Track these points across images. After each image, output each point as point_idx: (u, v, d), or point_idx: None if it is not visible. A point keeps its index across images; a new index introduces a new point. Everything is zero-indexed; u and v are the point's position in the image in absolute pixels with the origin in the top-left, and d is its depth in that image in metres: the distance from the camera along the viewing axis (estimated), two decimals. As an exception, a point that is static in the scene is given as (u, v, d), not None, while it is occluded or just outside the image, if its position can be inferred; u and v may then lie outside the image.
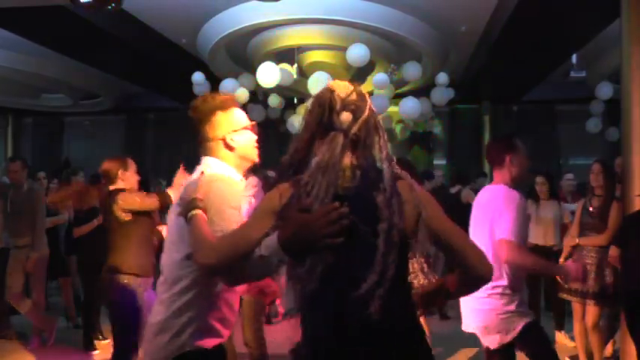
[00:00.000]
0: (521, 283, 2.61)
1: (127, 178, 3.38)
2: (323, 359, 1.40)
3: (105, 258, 3.25)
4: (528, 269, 2.69)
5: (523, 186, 2.98)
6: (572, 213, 4.68)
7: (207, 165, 1.90)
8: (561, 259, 4.13)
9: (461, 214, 6.28)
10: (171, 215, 1.89)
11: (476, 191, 7.34)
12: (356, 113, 1.47)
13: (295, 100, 8.97)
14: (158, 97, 10.59)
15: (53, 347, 4.77)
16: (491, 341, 2.55)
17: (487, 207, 2.61)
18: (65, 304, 5.54)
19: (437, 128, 9.29)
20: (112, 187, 3.32)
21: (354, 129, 1.44)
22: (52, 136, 12.40)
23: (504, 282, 2.50)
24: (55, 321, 4.95)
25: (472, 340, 2.74)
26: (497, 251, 2.46)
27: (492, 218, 2.52)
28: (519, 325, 2.49)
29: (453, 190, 5.87)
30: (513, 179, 2.63)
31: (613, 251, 3.53)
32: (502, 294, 2.49)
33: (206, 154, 1.94)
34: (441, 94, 7.32)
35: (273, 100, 7.78)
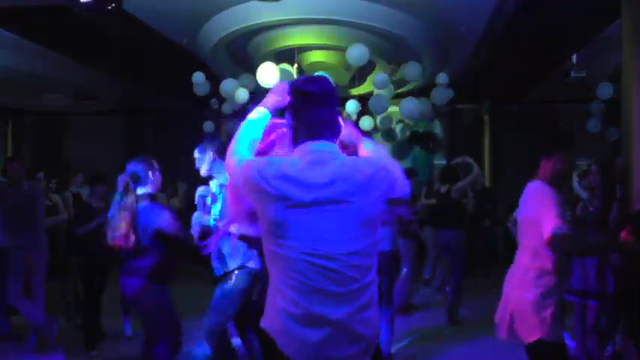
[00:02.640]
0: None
1: (156, 179, 3.31)
2: None
3: (105, 258, 3.26)
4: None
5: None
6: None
7: None
8: None
9: (457, 212, 6.23)
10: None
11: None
12: None
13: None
14: (158, 97, 10.60)
15: (53, 347, 4.77)
16: None
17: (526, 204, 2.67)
18: (65, 304, 5.54)
19: (437, 128, 9.29)
20: (141, 191, 3.23)
21: None
22: (52, 136, 12.40)
23: None
24: (55, 321, 4.94)
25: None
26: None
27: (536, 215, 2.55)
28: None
29: (443, 189, 5.86)
30: (553, 175, 2.66)
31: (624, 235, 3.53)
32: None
33: None
34: (441, 94, 7.31)
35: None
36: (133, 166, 3.22)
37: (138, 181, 3.19)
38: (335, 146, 1.78)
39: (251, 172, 1.68)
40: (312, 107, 1.75)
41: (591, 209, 4.06)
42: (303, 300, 1.65)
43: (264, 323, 1.75)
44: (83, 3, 4.40)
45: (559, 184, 2.67)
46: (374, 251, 1.75)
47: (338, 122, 1.81)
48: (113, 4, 4.43)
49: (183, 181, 8.40)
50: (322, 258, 1.65)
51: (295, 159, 1.72)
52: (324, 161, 1.70)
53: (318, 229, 1.65)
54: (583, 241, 2.70)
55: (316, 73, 6.29)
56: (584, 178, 4.10)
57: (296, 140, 1.78)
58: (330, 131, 1.77)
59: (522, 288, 2.58)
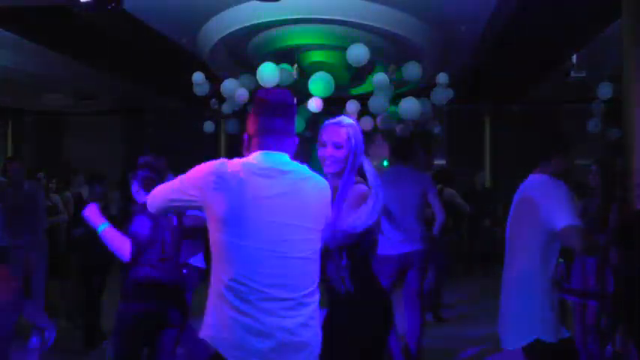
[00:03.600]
0: None
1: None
2: None
3: (104, 258, 3.24)
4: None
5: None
6: None
7: None
8: None
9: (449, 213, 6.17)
10: None
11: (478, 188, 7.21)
12: None
13: (295, 100, 8.96)
14: (158, 97, 10.59)
15: (53, 347, 4.77)
16: None
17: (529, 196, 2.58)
18: (65, 304, 5.54)
19: (437, 128, 9.27)
20: None
21: None
22: (52, 136, 12.41)
23: None
24: (55, 321, 4.95)
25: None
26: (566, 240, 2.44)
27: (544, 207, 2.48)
28: None
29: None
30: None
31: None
32: None
33: None
34: (441, 94, 7.31)
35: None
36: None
37: None
38: (286, 157, 1.80)
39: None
40: (267, 116, 1.81)
41: (591, 209, 4.06)
42: (251, 308, 1.65)
43: (206, 333, 1.73)
44: (83, 3, 4.40)
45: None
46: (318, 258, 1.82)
47: (292, 135, 1.85)
48: (113, 4, 4.43)
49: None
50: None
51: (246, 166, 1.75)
52: (271, 176, 1.74)
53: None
54: (592, 237, 2.62)
55: (316, 73, 6.30)
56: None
57: (249, 148, 1.84)
58: (281, 141, 1.80)
59: (520, 291, 2.56)
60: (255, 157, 1.78)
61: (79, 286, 5.40)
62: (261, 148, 1.79)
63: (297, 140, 1.87)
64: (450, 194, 6.08)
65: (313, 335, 1.74)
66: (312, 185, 1.80)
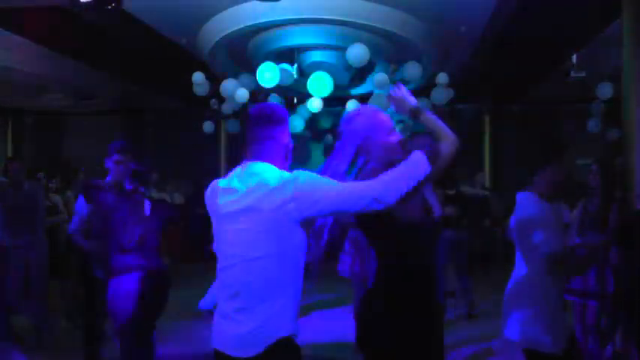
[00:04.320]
0: None
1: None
2: None
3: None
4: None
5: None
6: None
7: None
8: None
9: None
10: None
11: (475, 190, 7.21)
12: None
13: (295, 100, 8.97)
14: (158, 97, 10.60)
15: (53, 347, 4.78)
16: None
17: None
18: (65, 304, 5.54)
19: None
20: None
21: None
22: (52, 136, 12.41)
23: None
24: (55, 321, 4.95)
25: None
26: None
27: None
28: None
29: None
30: (549, 188, 2.57)
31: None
32: None
33: None
34: (441, 94, 7.31)
35: (274, 101, 7.79)
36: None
37: None
38: (264, 165, 1.86)
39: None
40: (248, 127, 1.93)
41: (591, 209, 4.06)
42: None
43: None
44: (83, 3, 4.40)
45: (556, 196, 2.59)
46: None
47: (274, 145, 1.91)
48: (113, 4, 4.43)
49: (184, 180, 8.43)
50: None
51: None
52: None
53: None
54: (574, 258, 2.61)
55: (316, 73, 6.30)
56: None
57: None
58: (258, 153, 1.89)
59: (521, 296, 2.56)
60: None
61: (79, 286, 5.41)
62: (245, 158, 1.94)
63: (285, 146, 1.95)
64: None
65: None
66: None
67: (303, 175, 1.77)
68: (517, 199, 2.66)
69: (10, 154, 11.59)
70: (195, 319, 5.80)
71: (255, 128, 1.91)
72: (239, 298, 1.78)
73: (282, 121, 1.93)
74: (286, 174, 1.81)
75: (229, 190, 1.86)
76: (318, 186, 1.75)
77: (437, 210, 4.39)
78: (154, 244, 3.18)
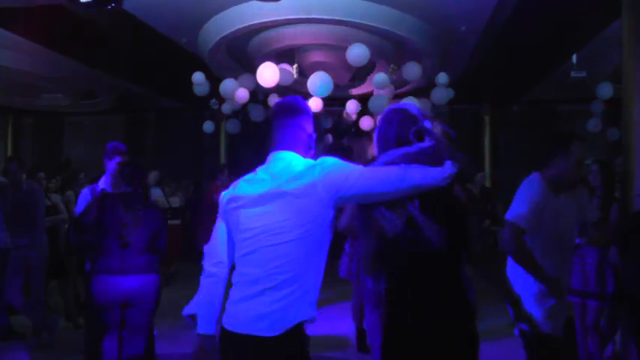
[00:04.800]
0: None
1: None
2: None
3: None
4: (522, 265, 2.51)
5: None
6: None
7: None
8: None
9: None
10: None
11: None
12: None
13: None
14: (158, 97, 10.60)
15: (53, 347, 4.77)
16: None
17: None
18: (65, 304, 5.54)
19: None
20: None
21: None
22: (52, 136, 12.41)
23: None
24: (55, 321, 4.95)
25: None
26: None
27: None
28: None
29: None
30: (557, 179, 2.51)
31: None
32: None
33: None
34: (441, 94, 7.31)
35: (273, 100, 7.79)
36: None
37: None
38: (288, 153, 1.91)
39: None
40: (273, 118, 1.99)
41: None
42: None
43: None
44: (83, 3, 4.40)
45: (562, 188, 2.51)
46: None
47: (297, 133, 1.95)
48: (113, 4, 4.43)
49: (184, 180, 8.42)
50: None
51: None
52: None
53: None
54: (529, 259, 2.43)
55: (316, 73, 6.30)
56: None
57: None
58: (287, 141, 1.93)
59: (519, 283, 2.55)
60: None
61: (79, 286, 5.41)
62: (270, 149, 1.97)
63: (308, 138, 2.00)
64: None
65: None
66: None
67: (329, 159, 1.83)
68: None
69: (10, 154, 11.59)
70: (195, 319, 5.80)
71: (280, 118, 1.97)
72: (264, 280, 1.79)
73: (306, 112, 2.01)
74: (311, 160, 1.88)
75: (254, 180, 1.90)
76: (346, 167, 1.81)
77: None
78: (143, 247, 3.21)
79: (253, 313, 1.78)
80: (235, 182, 1.98)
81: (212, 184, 7.03)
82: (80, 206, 3.78)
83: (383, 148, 1.99)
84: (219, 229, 1.98)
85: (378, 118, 2.20)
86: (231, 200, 1.92)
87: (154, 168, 8.08)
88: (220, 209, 1.97)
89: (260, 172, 1.92)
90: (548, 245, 2.47)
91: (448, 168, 1.83)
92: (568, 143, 2.50)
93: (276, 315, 1.75)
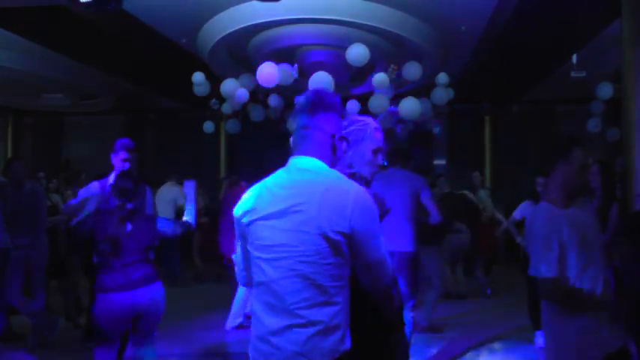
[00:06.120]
0: None
1: None
2: None
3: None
4: None
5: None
6: None
7: None
8: None
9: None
10: None
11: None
12: None
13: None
14: (158, 97, 10.60)
15: (53, 347, 4.77)
16: None
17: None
18: (65, 304, 5.54)
19: (437, 128, 9.27)
20: None
21: None
22: (52, 136, 12.41)
23: None
24: (55, 321, 4.94)
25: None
26: None
27: None
28: None
29: None
30: (566, 193, 2.33)
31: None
32: None
33: None
34: (441, 94, 7.31)
35: (273, 100, 7.79)
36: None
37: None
38: (311, 161, 1.69)
39: None
40: (293, 117, 1.77)
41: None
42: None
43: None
44: (83, 3, 4.40)
45: (572, 200, 2.33)
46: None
47: (316, 135, 1.72)
48: (113, 4, 4.43)
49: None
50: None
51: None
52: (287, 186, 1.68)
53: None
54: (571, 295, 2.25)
55: (316, 73, 6.30)
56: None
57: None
58: (305, 145, 1.72)
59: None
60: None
61: (79, 286, 5.41)
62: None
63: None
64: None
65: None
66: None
67: (364, 206, 1.62)
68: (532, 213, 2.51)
69: (10, 154, 11.59)
70: (195, 319, 5.81)
71: (298, 116, 1.74)
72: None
73: (329, 108, 1.74)
74: (342, 184, 1.65)
75: (272, 193, 1.68)
76: (376, 233, 1.64)
77: (435, 216, 4.34)
78: (139, 258, 3.17)
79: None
80: (249, 190, 1.77)
81: (236, 185, 7.08)
82: (81, 196, 3.79)
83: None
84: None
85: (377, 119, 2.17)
86: (246, 213, 1.71)
87: (154, 168, 8.09)
88: (236, 223, 1.76)
89: (278, 179, 1.71)
90: (579, 261, 2.26)
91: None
92: (567, 150, 2.37)
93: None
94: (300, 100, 1.79)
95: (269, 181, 1.73)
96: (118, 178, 3.27)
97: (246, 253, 1.74)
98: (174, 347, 4.80)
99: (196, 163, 10.89)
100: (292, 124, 1.77)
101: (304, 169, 1.68)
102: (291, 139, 1.76)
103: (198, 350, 4.86)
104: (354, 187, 1.66)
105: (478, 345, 4.88)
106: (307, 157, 1.69)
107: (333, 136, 1.73)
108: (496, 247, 7.10)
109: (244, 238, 1.73)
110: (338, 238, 1.57)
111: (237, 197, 1.88)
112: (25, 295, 4.86)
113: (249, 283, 1.78)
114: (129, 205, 3.17)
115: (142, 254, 3.18)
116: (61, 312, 5.52)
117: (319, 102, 1.73)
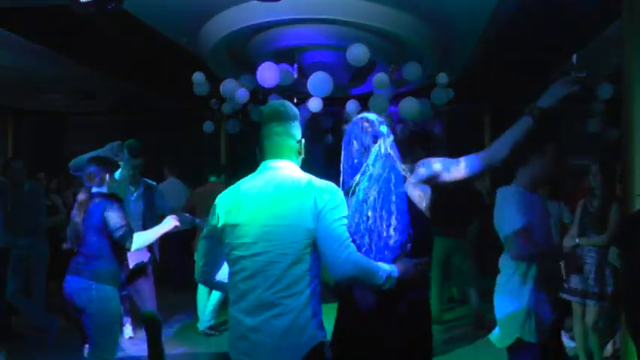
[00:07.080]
0: None
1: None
2: None
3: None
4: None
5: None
6: None
7: None
8: None
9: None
10: None
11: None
12: None
13: (295, 100, 8.98)
14: (158, 97, 10.59)
15: (53, 347, 4.78)
16: None
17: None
18: (65, 304, 5.54)
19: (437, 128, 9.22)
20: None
21: None
22: (52, 136, 12.41)
23: None
24: (55, 321, 4.95)
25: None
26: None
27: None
28: None
29: None
30: (533, 181, 2.60)
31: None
32: None
33: None
34: (441, 94, 7.31)
35: (274, 101, 7.78)
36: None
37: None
38: (286, 163, 1.94)
39: None
40: (261, 127, 2.02)
41: (591, 209, 4.07)
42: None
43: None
44: (83, 3, 4.39)
45: (538, 185, 2.60)
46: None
47: (287, 141, 1.96)
48: (113, 4, 4.42)
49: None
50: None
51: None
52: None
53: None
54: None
55: (316, 73, 6.30)
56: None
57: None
58: (278, 150, 1.96)
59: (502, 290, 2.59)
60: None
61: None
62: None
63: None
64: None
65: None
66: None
67: (329, 190, 1.87)
68: (497, 194, 2.63)
69: (10, 154, 11.59)
70: (195, 318, 5.81)
71: (269, 126, 1.98)
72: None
73: (295, 117, 2.02)
74: (312, 183, 1.87)
75: (251, 193, 1.89)
76: (339, 210, 1.84)
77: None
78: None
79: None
80: (231, 188, 1.97)
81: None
82: None
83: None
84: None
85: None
86: (230, 210, 1.90)
87: (155, 168, 8.08)
88: (211, 220, 1.95)
89: (256, 180, 1.93)
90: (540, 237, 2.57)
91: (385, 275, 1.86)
92: (542, 143, 2.55)
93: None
94: (268, 110, 2.03)
95: (243, 183, 1.94)
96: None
97: (211, 251, 1.97)
98: (174, 347, 4.80)
99: (196, 163, 10.88)
100: (263, 131, 1.99)
101: (280, 170, 1.91)
102: (260, 145, 1.99)
103: (199, 350, 4.86)
104: (321, 183, 1.89)
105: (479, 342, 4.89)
106: (281, 159, 1.94)
107: (299, 142, 2.00)
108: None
109: (212, 238, 1.94)
110: (312, 228, 1.79)
111: None
112: (25, 295, 4.86)
113: (205, 281, 2.04)
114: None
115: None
116: (61, 312, 5.52)
117: (286, 112, 2.00)
